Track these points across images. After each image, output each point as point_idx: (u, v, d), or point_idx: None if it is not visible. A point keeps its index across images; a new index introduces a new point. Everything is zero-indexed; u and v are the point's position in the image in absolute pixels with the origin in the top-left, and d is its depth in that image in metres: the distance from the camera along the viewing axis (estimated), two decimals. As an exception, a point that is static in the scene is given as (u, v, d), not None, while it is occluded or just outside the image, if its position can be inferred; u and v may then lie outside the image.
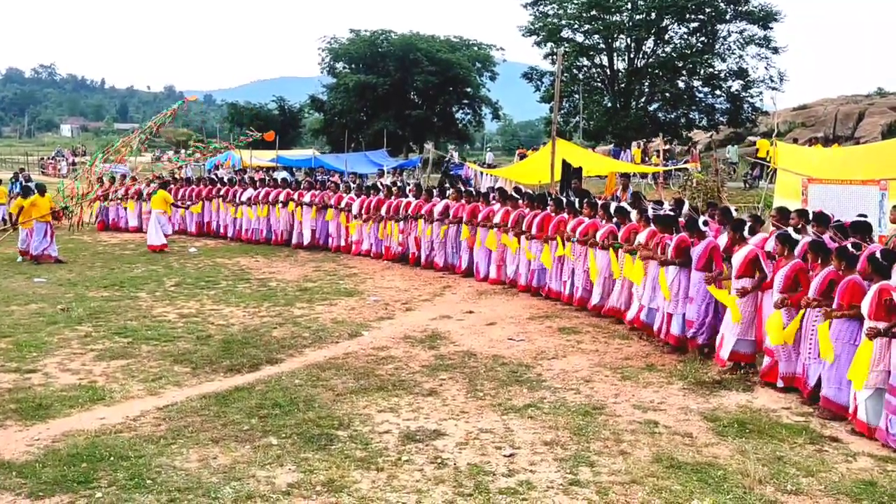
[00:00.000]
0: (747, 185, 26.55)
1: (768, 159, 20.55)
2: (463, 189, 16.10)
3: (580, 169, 18.95)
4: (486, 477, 5.68)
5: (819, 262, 7.50)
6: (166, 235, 17.85)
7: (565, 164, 17.85)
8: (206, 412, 7.01)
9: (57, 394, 7.55)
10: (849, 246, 7.30)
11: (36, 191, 16.38)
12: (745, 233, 8.84)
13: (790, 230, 8.60)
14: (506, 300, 12.47)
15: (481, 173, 24.20)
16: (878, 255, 6.87)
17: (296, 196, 18.32)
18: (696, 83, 37.22)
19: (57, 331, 10.00)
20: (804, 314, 7.44)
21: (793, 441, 6.40)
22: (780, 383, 7.76)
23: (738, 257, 8.45)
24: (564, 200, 12.90)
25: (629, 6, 36.00)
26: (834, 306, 7.04)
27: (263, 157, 31.29)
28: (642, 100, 37.80)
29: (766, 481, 5.60)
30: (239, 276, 14.43)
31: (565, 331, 10.34)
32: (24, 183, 20.17)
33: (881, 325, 6.42)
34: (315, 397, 7.42)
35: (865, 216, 9.01)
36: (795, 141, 28.21)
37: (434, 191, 16.28)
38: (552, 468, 5.85)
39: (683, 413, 7.10)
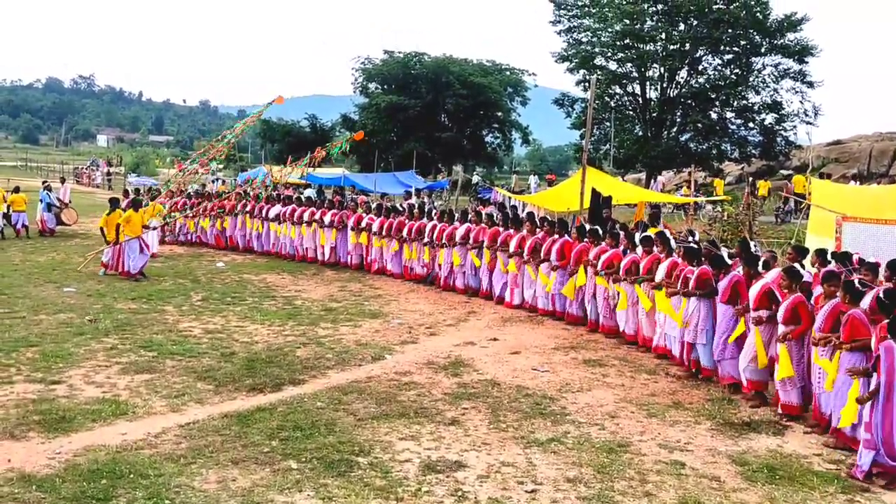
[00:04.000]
0: (778, 220, 26.21)
1: (806, 195, 20.30)
2: (494, 213, 16.13)
3: (610, 198, 18.81)
4: (507, 513, 5.58)
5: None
6: (154, 255, 17.21)
7: (595, 193, 17.73)
8: (227, 432, 6.98)
9: (80, 406, 7.58)
10: (855, 281, 7.41)
11: (132, 206, 16.10)
12: (760, 268, 9.05)
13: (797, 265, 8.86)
14: (531, 328, 12.36)
15: (509, 198, 24.17)
16: (882, 295, 7.02)
17: (318, 215, 18.52)
18: (729, 115, 36.97)
19: (83, 342, 10.07)
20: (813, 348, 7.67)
21: (824, 490, 6.21)
22: (779, 410, 8.08)
23: (754, 290, 8.64)
24: (587, 228, 12.97)
25: (663, 36, 35.92)
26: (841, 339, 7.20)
27: (294, 175, 31.51)
28: (674, 129, 37.59)
29: (796, 531, 5.43)
30: (265, 292, 14.47)
31: (591, 363, 10.20)
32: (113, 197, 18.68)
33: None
34: (336, 421, 7.37)
35: None
36: (828, 176, 27.86)
37: (455, 214, 16.44)
38: (575, 507, 5.72)
39: (711, 455, 6.94)
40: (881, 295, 7.08)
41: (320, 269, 17.74)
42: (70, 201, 23.97)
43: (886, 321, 6.56)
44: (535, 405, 8.19)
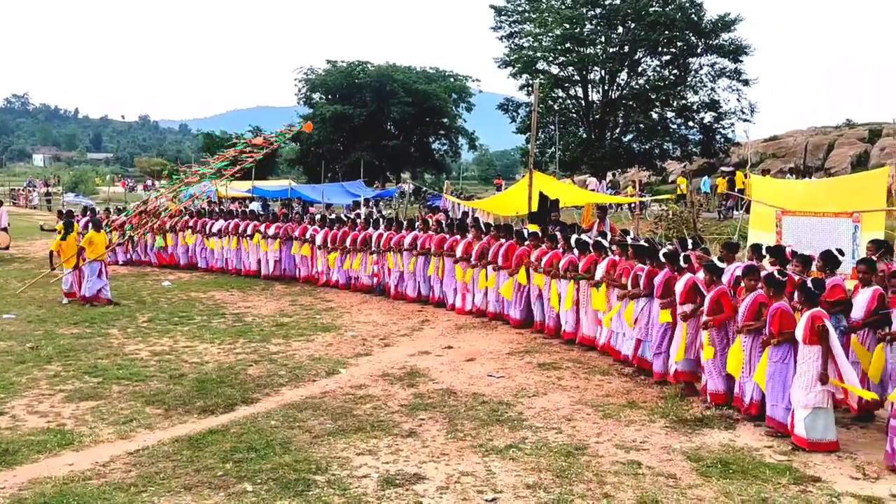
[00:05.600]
0: (721, 216, 26.80)
1: (744, 190, 20.78)
2: (443, 221, 16.25)
3: (557, 201, 18.99)
4: (468, 523, 5.55)
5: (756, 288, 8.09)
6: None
7: (542, 196, 17.87)
8: (179, 457, 6.81)
9: (24, 438, 7.31)
10: (776, 274, 7.89)
11: (92, 227, 15.34)
12: (682, 262, 9.37)
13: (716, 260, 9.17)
14: (485, 334, 12.38)
15: (458, 205, 24.20)
16: (808, 283, 7.44)
17: (262, 228, 18.38)
18: (670, 115, 37.79)
19: (25, 370, 9.73)
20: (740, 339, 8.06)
21: (776, 482, 6.33)
22: (708, 399, 8.45)
23: (680, 285, 9.07)
24: (526, 233, 13.42)
25: (602, 40, 36.56)
26: (765, 331, 7.66)
27: (240, 188, 31.08)
28: (617, 131, 38.24)
29: (751, 525, 5.52)
30: (213, 310, 14.20)
31: (545, 366, 10.25)
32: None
33: (815, 349, 7.08)
34: (291, 440, 7.25)
35: (842, 251, 9.05)
36: (767, 172, 28.58)
37: (403, 223, 16.53)
38: (535, 513, 5.72)
39: (666, 453, 7.02)
40: (808, 284, 7.45)
41: (269, 283, 17.51)
42: (8, 225, 23.11)
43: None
44: (492, 412, 8.19)
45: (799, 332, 7.22)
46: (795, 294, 7.83)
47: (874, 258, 8.77)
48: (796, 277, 8.31)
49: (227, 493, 6.02)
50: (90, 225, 15.79)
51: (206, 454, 6.86)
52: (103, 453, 6.94)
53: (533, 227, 14.33)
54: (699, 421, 7.97)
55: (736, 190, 26.09)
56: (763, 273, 8.23)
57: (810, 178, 30.42)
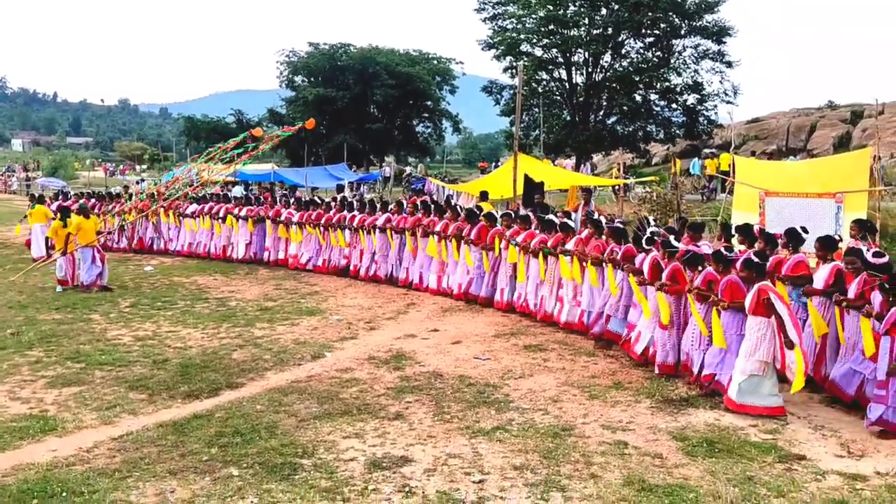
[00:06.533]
0: (704, 198, 26.89)
1: (728, 172, 20.80)
2: (429, 203, 16.29)
3: (542, 183, 18.96)
4: (455, 505, 5.54)
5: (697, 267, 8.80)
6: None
7: (527, 179, 17.83)
8: (163, 442, 6.75)
9: (6, 424, 7.22)
10: (722, 250, 8.53)
11: (80, 213, 15.00)
12: (644, 243, 9.85)
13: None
14: (471, 317, 12.36)
15: (442, 188, 24.12)
16: (752, 257, 8.00)
17: (235, 210, 18.33)
18: (653, 97, 37.68)
19: (6, 356, 9.61)
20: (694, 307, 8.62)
21: (762, 460, 6.37)
22: (656, 370, 8.97)
23: (646, 263, 9.55)
24: (498, 215, 13.95)
25: (586, 21, 36.34)
26: (714, 298, 8.26)
27: (222, 172, 30.78)
28: (601, 113, 38.13)
29: (737, 503, 5.55)
30: (197, 295, 14.09)
31: (531, 348, 10.26)
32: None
33: (760, 319, 7.60)
34: (277, 424, 7.21)
35: (806, 229, 9.39)
36: (754, 154, 28.68)
37: (377, 204, 16.62)
38: (523, 494, 5.72)
39: (652, 433, 7.05)
40: (752, 256, 8.04)
41: (253, 268, 17.41)
42: None
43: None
44: (479, 394, 8.19)
45: (747, 303, 7.72)
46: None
47: (838, 238, 9.30)
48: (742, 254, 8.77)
49: (213, 478, 5.97)
50: (65, 211, 15.28)
51: (192, 439, 6.80)
52: (87, 439, 6.87)
53: (487, 207, 15.05)
54: (684, 401, 8.01)
55: (719, 172, 26.16)
56: (711, 251, 8.87)
57: (791, 159, 30.56)
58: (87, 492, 5.71)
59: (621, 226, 11.74)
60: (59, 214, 15.14)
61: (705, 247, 9.69)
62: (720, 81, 36.57)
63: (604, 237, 11.12)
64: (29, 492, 5.70)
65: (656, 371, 8.96)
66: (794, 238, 9.18)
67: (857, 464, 6.39)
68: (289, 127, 20.55)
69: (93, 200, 21.24)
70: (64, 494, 5.66)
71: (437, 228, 14.34)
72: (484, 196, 16.93)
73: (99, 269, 14.55)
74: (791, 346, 7.36)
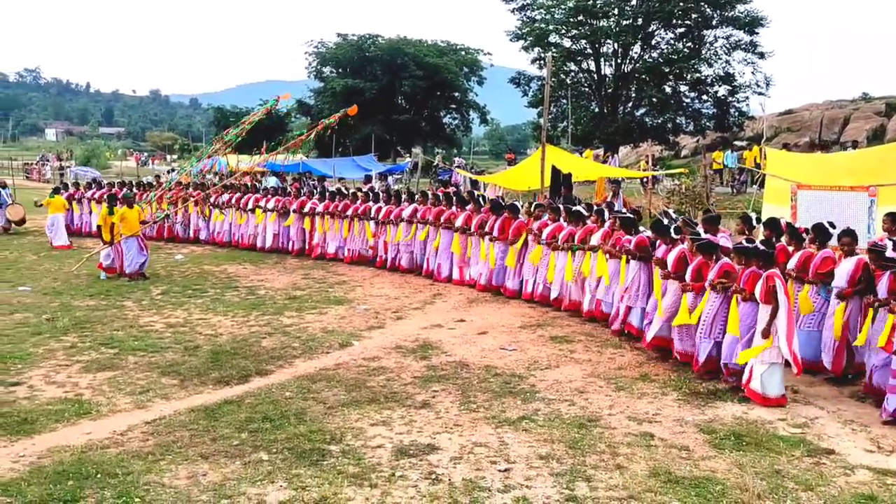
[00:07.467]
0: (734, 191, 26.62)
1: (762, 164, 20.57)
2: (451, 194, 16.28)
3: (570, 175, 18.92)
4: (481, 493, 5.59)
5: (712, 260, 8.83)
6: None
7: (555, 171, 17.80)
8: (195, 426, 6.88)
9: (42, 408, 7.40)
10: (744, 242, 8.53)
11: (124, 203, 15.34)
12: (672, 234, 9.76)
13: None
14: (497, 308, 12.39)
15: (469, 179, 24.16)
16: (759, 245, 8.09)
17: (263, 203, 18.55)
18: (683, 88, 37.37)
19: (42, 341, 9.83)
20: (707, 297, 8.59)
21: (790, 454, 6.34)
22: (677, 357, 9.00)
23: (671, 257, 9.41)
24: (520, 206, 14.07)
25: (616, 12, 36.09)
26: (735, 287, 8.20)
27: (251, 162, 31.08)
28: (629, 105, 37.89)
29: (765, 496, 5.54)
30: (227, 283, 14.28)
31: (557, 339, 10.27)
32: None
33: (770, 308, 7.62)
34: (306, 410, 7.31)
35: (833, 224, 9.19)
36: (787, 146, 28.28)
37: (403, 195, 16.67)
38: (548, 483, 5.76)
39: (679, 425, 7.04)
40: (759, 245, 8.13)
41: (282, 257, 17.58)
42: (13, 199, 23.05)
43: None
44: (505, 384, 8.22)
45: (757, 292, 7.74)
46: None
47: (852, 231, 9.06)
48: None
49: (244, 462, 6.08)
50: (124, 202, 15.53)
51: (222, 424, 6.93)
52: (121, 423, 7.02)
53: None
54: (712, 394, 7.98)
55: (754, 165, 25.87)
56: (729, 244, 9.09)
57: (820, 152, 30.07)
58: (122, 473, 5.84)
59: (631, 215, 11.61)
60: (105, 202, 15.60)
61: (724, 239, 9.58)
62: (752, 73, 36.19)
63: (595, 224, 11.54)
64: (64, 473, 5.85)
65: (677, 358, 9.00)
66: (821, 233, 8.97)
67: (887, 459, 6.33)
68: (335, 115, 20.65)
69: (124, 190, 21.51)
70: (98, 476, 5.80)
71: (459, 222, 14.23)
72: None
73: (145, 257, 14.84)
74: (766, 335, 7.54)
